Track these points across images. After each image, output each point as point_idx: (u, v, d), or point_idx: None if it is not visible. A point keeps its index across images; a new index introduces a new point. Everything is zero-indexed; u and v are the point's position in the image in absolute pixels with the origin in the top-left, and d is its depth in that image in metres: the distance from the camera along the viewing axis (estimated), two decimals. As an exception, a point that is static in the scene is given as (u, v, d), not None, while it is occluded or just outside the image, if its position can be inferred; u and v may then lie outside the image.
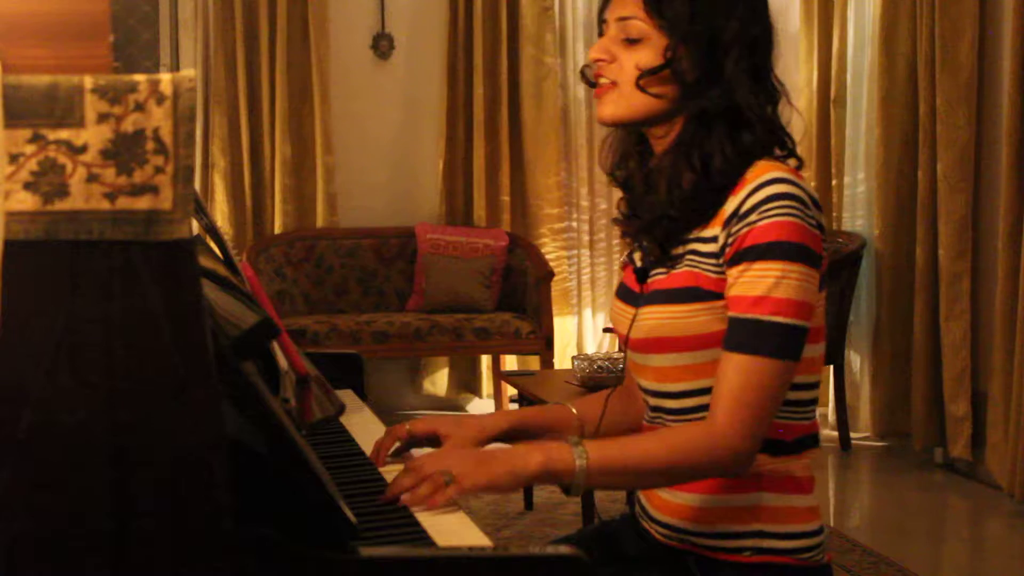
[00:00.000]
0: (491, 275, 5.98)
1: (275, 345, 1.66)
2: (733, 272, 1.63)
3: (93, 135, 1.19)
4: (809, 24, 5.78)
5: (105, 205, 1.19)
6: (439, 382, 6.29)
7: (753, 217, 1.62)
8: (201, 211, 1.78)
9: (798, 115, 1.79)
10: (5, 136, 1.18)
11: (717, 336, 1.65)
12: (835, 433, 5.38)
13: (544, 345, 5.79)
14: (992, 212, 4.69)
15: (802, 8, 5.83)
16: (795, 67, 5.92)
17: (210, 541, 1.22)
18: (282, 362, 1.67)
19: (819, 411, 5.88)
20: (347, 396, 2.20)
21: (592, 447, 1.60)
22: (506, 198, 6.26)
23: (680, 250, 1.71)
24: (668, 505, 1.75)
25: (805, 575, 1.72)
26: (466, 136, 6.25)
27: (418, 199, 6.31)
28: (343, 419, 2.00)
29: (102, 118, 1.19)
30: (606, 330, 5.74)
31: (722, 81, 1.67)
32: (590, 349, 6.26)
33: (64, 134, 1.19)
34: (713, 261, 1.66)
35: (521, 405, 4.38)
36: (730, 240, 1.64)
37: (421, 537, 1.45)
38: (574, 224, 6.36)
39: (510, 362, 6.17)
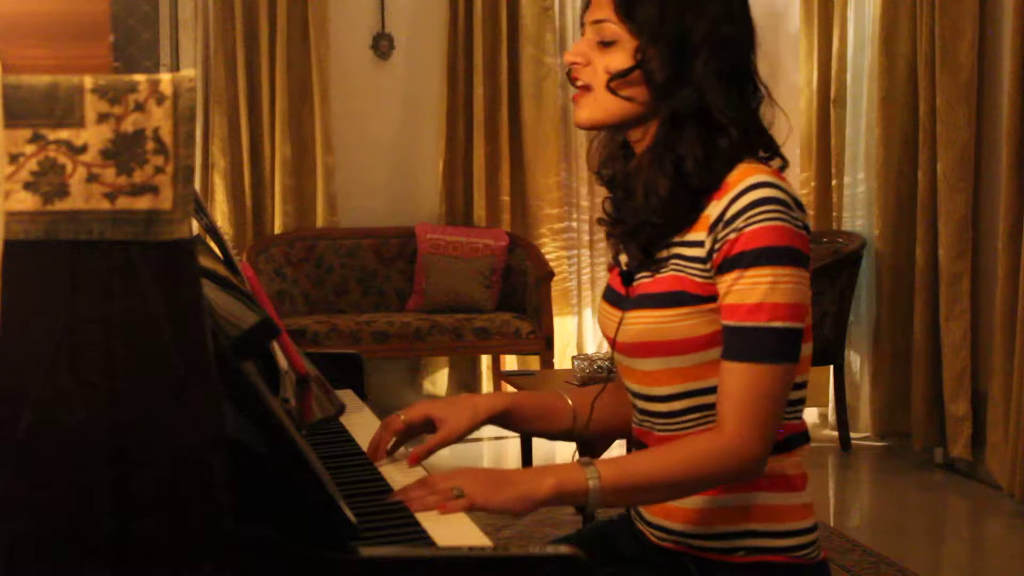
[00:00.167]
0: (491, 275, 5.98)
1: (275, 345, 1.66)
2: (726, 280, 1.63)
3: (93, 135, 1.19)
4: (809, 24, 5.78)
5: (105, 205, 1.19)
6: (439, 382, 6.29)
7: (739, 223, 1.62)
8: (201, 211, 1.78)
9: (784, 116, 1.79)
10: (5, 136, 1.18)
11: (703, 340, 1.66)
12: (835, 433, 5.38)
13: (544, 345, 5.79)
14: (992, 212, 4.69)
15: (802, 8, 5.83)
16: (795, 67, 5.93)
17: (210, 541, 1.22)
18: (282, 362, 1.67)
19: (819, 411, 5.84)
20: (347, 396, 2.20)
21: (604, 466, 1.60)
22: (506, 198, 6.27)
23: (664, 254, 1.71)
24: (661, 508, 1.75)
25: (800, 573, 1.72)
26: (466, 136, 6.26)
27: (418, 199, 6.31)
28: (343, 419, 2.00)
29: (102, 118, 1.19)
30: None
31: (692, 82, 1.67)
32: (590, 349, 6.26)
33: (64, 134, 1.19)
34: (699, 266, 1.66)
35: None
36: (717, 246, 1.64)
37: (421, 537, 1.45)
38: (574, 224, 6.36)
39: (510, 362, 6.17)
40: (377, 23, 6.25)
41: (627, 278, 1.77)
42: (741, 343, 1.62)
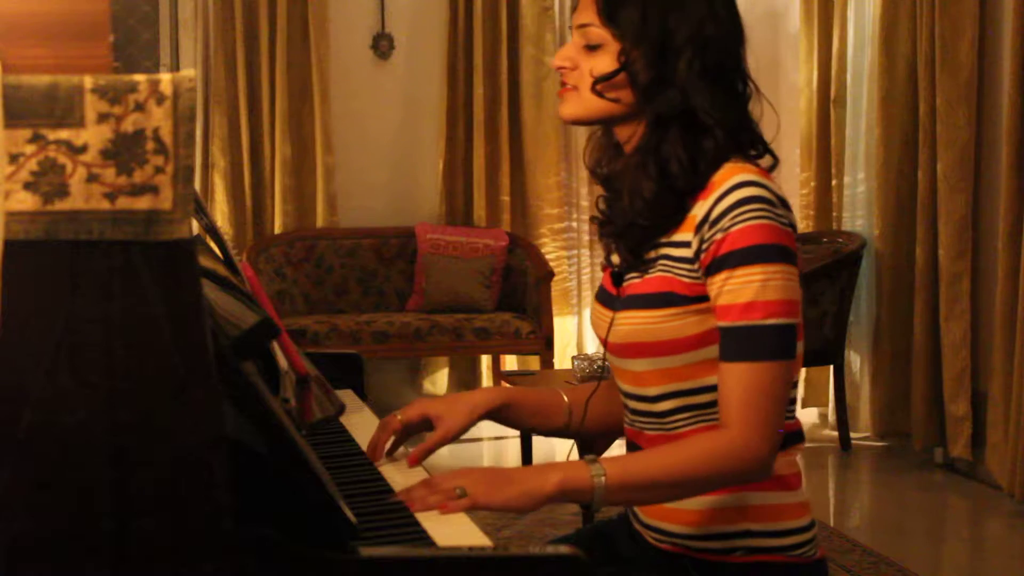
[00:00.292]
0: (491, 275, 5.98)
1: (275, 345, 1.66)
2: (716, 282, 1.63)
3: (93, 135, 1.19)
4: (809, 24, 5.78)
5: (105, 205, 1.19)
6: (439, 382, 6.29)
7: (725, 223, 1.62)
8: (201, 211, 1.78)
9: (774, 112, 1.79)
10: (5, 136, 1.18)
11: (692, 340, 1.66)
12: (835, 433, 5.38)
13: (544, 345, 5.79)
14: (992, 212, 4.69)
15: (802, 8, 5.83)
16: (795, 67, 5.93)
17: (210, 541, 1.22)
18: (282, 362, 1.67)
19: (819, 411, 5.83)
20: (347, 396, 2.20)
21: (609, 464, 1.60)
22: (506, 198, 6.27)
23: (652, 254, 1.72)
24: (658, 509, 1.75)
25: (798, 572, 1.72)
26: (466, 136, 6.26)
27: (418, 199, 6.32)
28: (343, 419, 2.00)
29: (102, 118, 1.19)
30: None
31: (676, 84, 1.68)
32: (590, 349, 6.26)
33: (64, 134, 1.19)
34: (687, 266, 1.67)
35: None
36: (704, 246, 1.64)
37: (421, 537, 1.45)
38: (574, 224, 6.36)
39: (510, 362, 6.17)
40: (377, 23, 6.25)
41: (617, 279, 1.78)
42: (738, 343, 1.62)
